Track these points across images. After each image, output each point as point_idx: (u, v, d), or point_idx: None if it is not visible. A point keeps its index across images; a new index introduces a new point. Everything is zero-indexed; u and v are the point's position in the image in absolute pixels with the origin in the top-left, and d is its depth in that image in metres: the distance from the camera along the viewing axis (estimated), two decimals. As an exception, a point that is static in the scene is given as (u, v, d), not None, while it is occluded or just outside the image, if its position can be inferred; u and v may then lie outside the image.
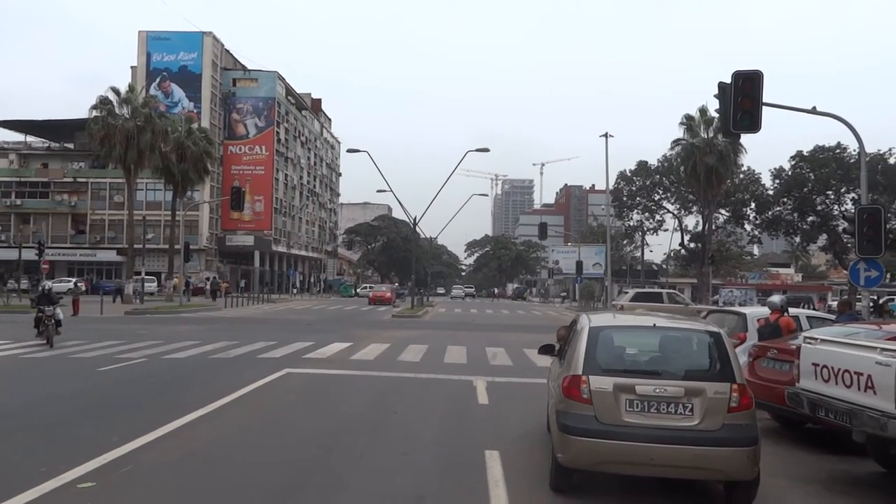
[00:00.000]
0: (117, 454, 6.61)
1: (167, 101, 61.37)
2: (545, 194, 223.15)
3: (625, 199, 58.17)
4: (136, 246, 42.86)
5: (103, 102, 40.07)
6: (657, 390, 5.39)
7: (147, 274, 45.70)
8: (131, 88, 42.92)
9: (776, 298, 10.45)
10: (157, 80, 63.48)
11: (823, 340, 6.76)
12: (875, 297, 32.32)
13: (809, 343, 6.87)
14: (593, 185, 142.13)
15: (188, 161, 43.00)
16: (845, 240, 44.40)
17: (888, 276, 45.76)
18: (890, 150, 43.86)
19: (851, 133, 13.95)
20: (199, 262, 60.88)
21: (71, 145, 67.81)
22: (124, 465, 6.30)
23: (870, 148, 28.88)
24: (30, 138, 70.09)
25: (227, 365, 13.76)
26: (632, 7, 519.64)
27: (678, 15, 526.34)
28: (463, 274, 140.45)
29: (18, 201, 61.74)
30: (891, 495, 6.31)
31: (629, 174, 57.72)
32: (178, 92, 63.65)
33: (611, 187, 52.32)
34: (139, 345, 16.87)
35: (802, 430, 8.53)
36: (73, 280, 50.03)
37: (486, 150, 39.52)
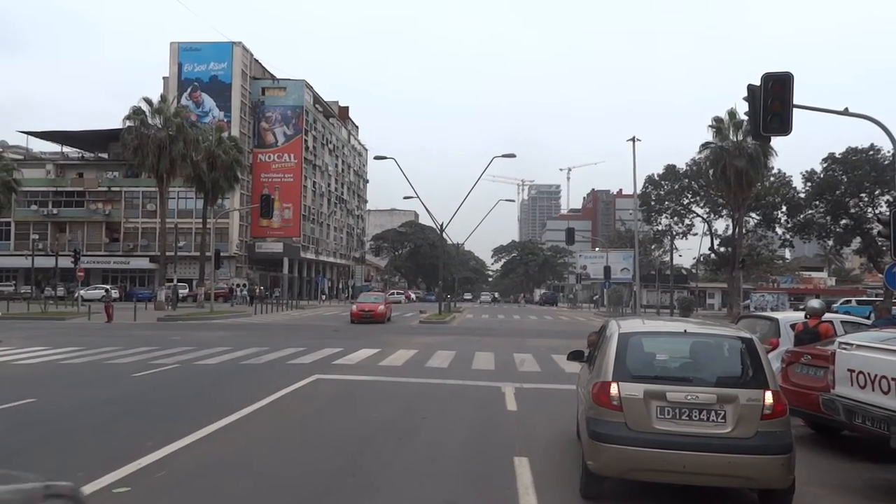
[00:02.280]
0: (152, 459, 6.73)
1: (198, 111, 62.43)
2: (572, 199, 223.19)
3: (653, 203, 57.63)
4: (168, 253, 43.63)
5: (136, 113, 40.93)
6: (688, 397, 5.34)
7: (179, 281, 46.40)
8: (163, 99, 43.81)
9: (816, 303, 10.13)
10: (189, 90, 64.56)
11: (859, 346, 6.64)
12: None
13: (844, 348, 6.75)
14: (621, 190, 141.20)
15: (219, 170, 43.66)
16: (880, 243, 43.47)
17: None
18: (926, 150, 42.96)
19: (885, 134, 13.70)
20: (230, 269, 61.65)
21: (105, 155, 69.34)
22: (159, 470, 6.41)
23: (905, 149, 28.25)
24: (65, 149, 71.91)
25: (258, 371, 13.92)
26: (659, 10, 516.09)
27: (707, 17, 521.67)
28: (490, 280, 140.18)
29: (55, 210, 63.15)
30: (931, 505, 6.17)
31: (657, 178, 57.19)
32: (208, 101, 64.67)
33: (639, 191, 51.85)
34: (172, 351, 17.14)
35: (838, 438, 8.38)
36: (106, 287, 51.05)
37: (513, 155, 39.70)
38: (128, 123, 40.88)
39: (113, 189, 64.29)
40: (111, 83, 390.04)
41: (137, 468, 6.41)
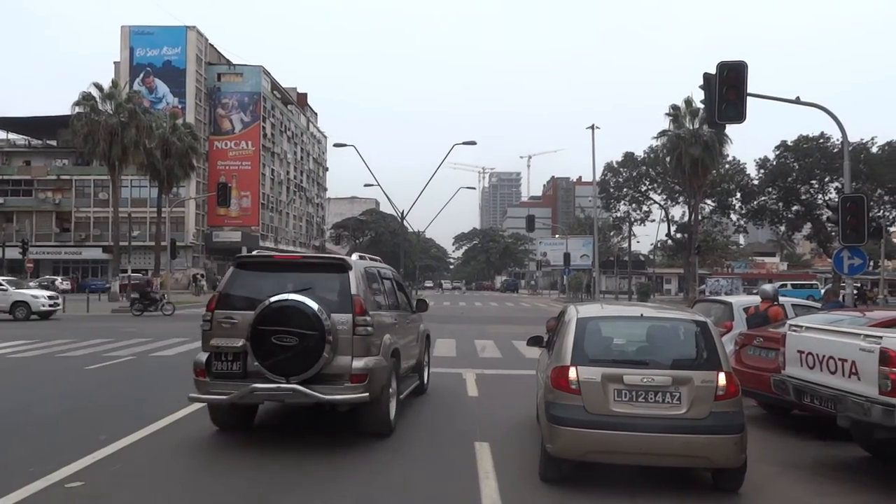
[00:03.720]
0: (106, 453, 6.58)
1: (151, 97, 60.88)
2: (532, 187, 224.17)
3: (612, 190, 58.39)
4: (121, 243, 42.54)
5: (86, 98, 39.65)
6: (645, 380, 5.43)
7: (133, 271, 45.41)
8: (114, 84, 42.54)
9: (768, 287, 10.49)
10: (141, 75, 62.91)
11: (808, 328, 6.82)
12: (859, 285, 32.70)
13: (794, 331, 6.93)
14: (580, 177, 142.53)
15: (173, 157, 42.61)
16: (829, 228, 44.83)
17: (871, 263, 46.40)
18: (872, 139, 44.45)
19: (834, 123, 14.06)
20: (187, 259, 60.55)
21: (54, 142, 67.19)
22: (113, 464, 6.27)
23: (852, 137, 29.15)
24: (11, 135, 69.34)
25: (216, 361, 13.69)
26: (620, 1, 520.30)
27: (667, 7, 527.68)
28: (451, 267, 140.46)
29: (1, 199, 61.12)
30: (875, 479, 6.40)
31: (616, 165, 57.92)
32: (162, 87, 63.12)
33: (598, 179, 52.49)
34: (127, 343, 16.77)
35: (789, 417, 8.62)
36: (49, 278, 49.38)
37: (473, 143, 39.56)
38: (77, 110, 39.55)
39: (63, 177, 62.48)
40: (59, 68, 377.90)
41: (91, 462, 6.26)
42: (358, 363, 6.83)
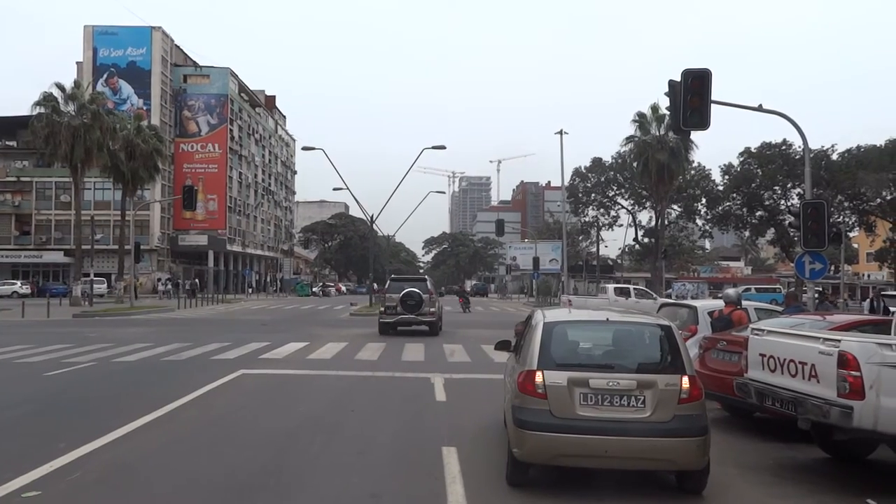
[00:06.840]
0: (65, 461, 6.42)
1: (115, 98, 59.80)
2: (502, 191, 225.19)
3: (580, 195, 58.91)
4: (84, 247, 41.61)
5: (47, 99, 38.75)
6: (610, 383, 5.47)
7: (96, 275, 44.49)
8: (77, 84, 41.68)
9: (732, 292, 10.67)
10: (105, 76, 61.74)
11: (770, 332, 6.93)
12: (820, 289, 33.40)
13: (756, 334, 7.04)
14: (549, 182, 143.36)
15: (138, 159, 41.82)
16: (792, 233, 45.73)
17: (832, 268, 47.48)
18: (833, 146, 45.47)
19: (796, 130, 14.37)
20: (151, 263, 59.54)
21: (13, 143, 65.56)
22: (72, 473, 6.13)
23: (813, 144, 29.79)
24: (-31, 136, 67.57)
25: (180, 367, 13.49)
26: (589, 8, 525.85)
27: (633, 11, 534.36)
28: (421, 271, 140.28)
29: (-42, 202, 59.44)
30: (834, 480, 6.53)
31: (584, 171, 58.50)
32: (126, 88, 62.04)
33: (566, 184, 52.93)
34: (88, 348, 16.41)
35: (751, 420, 8.75)
36: None
37: (443, 147, 39.53)
38: (38, 110, 38.62)
39: (23, 179, 61.03)
40: (19, 67, 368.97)
41: (49, 471, 6.11)
42: (433, 309, 21.08)
